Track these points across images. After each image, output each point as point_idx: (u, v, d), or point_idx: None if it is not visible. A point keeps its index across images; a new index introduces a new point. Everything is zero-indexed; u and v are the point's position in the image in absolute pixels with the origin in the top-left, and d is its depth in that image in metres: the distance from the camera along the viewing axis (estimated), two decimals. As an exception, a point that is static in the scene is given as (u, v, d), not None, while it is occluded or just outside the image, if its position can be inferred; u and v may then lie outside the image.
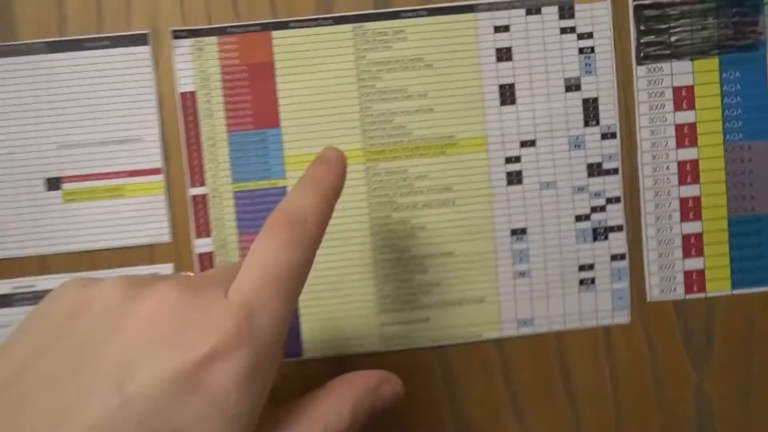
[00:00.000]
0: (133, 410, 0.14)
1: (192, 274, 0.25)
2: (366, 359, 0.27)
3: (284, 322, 0.17)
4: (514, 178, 0.26)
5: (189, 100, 0.25)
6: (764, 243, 0.27)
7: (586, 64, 0.26)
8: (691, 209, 0.27)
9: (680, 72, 0.26)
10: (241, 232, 0.26)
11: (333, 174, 0.20)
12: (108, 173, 0.25)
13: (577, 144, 0.26)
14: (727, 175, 0.27)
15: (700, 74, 0.26)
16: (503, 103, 0.26)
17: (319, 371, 0.27)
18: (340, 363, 0.26)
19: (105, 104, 0.25)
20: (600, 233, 0.26)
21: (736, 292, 0.27)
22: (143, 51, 0.25)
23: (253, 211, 0.26)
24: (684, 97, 0.26)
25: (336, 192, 0.20)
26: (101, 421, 0.14)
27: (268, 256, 0.17)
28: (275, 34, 0.25)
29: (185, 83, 0.25)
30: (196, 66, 0.25)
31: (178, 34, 0.25)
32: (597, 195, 0.26)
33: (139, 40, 0.25)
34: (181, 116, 0.25)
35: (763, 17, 0.26)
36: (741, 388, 0.27)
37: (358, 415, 0.18)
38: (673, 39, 0.26)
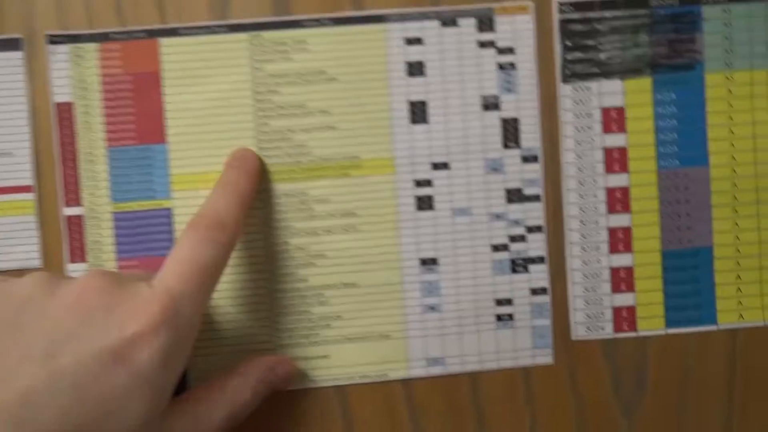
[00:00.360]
0: (63, 380, 0.16)
1: None
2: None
3: (201, 311, 0.20)
4: (425, 203, 0.24)
5: (65, 111, 0.23)
6: (701, 278, 0.25)
7: (506, 81, 0.24)
8: (620, 240, 0.24)
9: (609, 92, 0.24)
10: (120, 257, 0.24)
11: (247, 177, 0.23)
12: (-28, 190, 0.23)
13: (494, 167, 0.24)
14: (661, 203, 0.24)
15: (632, 94, 0.24)
16: (414, 121, 0.24)
17: (207, 412, 0.24)
18: (230, 403, 0.24)
19: (-28, 114, 0.23)
20: (519, 265, 0.24)
21: (670, 331, 0.25)
22: (16, 57, 0.23)
23: (134, 234, 0.24)
24: (614, 119, 0.24)
25: (251, 194, 0.23)
26: (33, 388, 0.16)
27: (190, 252, 0.20)
28: (163, 41, 0.23)
29: (61, 93, 0.23)
30: (74, 74, 0.23)
31: (55, 39, 0.23)
32: (516, 223, 0.24)
33: (12, 44, 0.23)
34: (56, 129, 0.23)
35: (700, 35, 0.24)
36: (674, 439, 0.25)
37: (258, 390, 0.22)
38: (602, 56, 0.24)
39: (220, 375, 0.22)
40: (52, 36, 0.23)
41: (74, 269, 0.23)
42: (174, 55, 0.23)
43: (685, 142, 0.24)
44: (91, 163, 0.23)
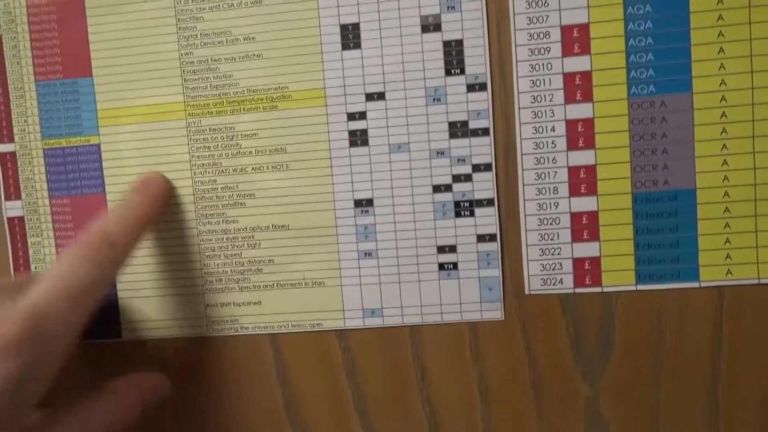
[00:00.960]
0: None
1: None
2: (189, 343, 0.28)
3: (73, 331, 0.22)
4: (358, 139, 0.26)
5: (-6, 45, 0.27)
6: (681, 226, 0.25)
7: (447, -2, 0.25)
8: (583, 181, 0.25)
9: (571, 6, 0.24)
10: (52, 194, 0.27)
11: (149, 201, 0.26)
12: None
13: (436, 97, 0.25)
14: (632, 138, 0.25)
15: (598, 9, 0.24)
16: (345, 47, 0.25)
17: (139, 354, 0.28)
18: (160, 346, 0.27)
19: None
20: (464, 208, 0.25)
21: (642, 287, 0.25)
22: (-53, -10, 0.26)
23: (65, 171, 0.27)
24: (576, 39, 0.25)
25: (151, 221, 0.26)
26: None
27: (68, 270, 0.22)
28: (84, -32, 0.26)
29: (-11, 26, 0.27)
30: (1, 6, 0.26)
31: (-20, -29, 0.26)
32: (461, 161, 0.25)
33: (-58, -22, 0.26)
34: (-14, 64, 0.27)
35: (683, -68, 0.23)
36: (647, 413, 0.26)
37: (132, 414, 0.24)
38: (561, -37, 0.24)
39: (91, 392, 0.24)
40: (-22, -33, 0.26)
41: (11, 206, 0.27)
42: (97, -18, 0.26)
43: (663, 65, 0.24)
44: (22, 98, 0.27)
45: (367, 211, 0.27)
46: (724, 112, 0.25)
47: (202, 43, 0.27)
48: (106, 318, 0.28)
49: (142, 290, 0.28)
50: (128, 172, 0.27)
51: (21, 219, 0.28)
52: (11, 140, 0.28)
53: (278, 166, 0.27)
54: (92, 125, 0.27)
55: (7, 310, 0.21)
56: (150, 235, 0.27)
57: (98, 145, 0.27)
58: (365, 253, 0.27)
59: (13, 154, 0.28)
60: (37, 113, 0.28)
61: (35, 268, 0.28)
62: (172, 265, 0.28)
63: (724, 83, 0.24)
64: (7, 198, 0.28)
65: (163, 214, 0.27)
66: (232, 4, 0.26)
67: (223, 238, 0.27)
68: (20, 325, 0.20)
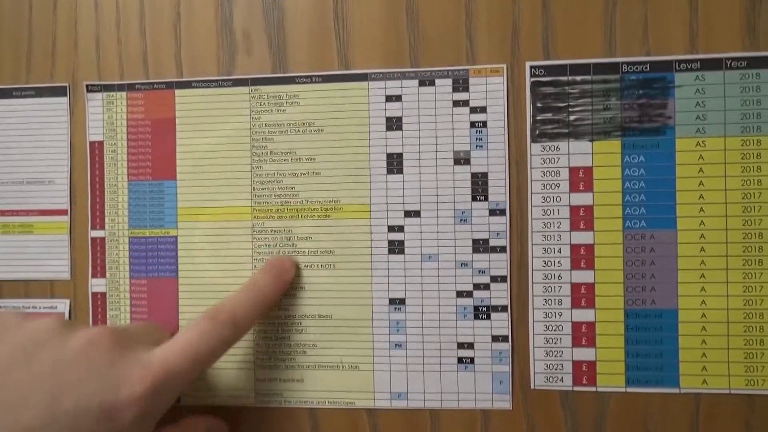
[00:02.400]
0: (62, 424, 0.23)
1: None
2: (238, 411, 0.32)
3: (186, 385, 0.27)
4: (396, 247, 0.31)
5: (97, 149, 0.33)
6: (665, 340, 0.30)
7: (477, 138, 0.31)
8: (583, 296, 0.30)
9: (578, 152, 0.30)
10: (132, 276, 0.33)
11: (275, 285, 0.31)
12: (20, 210, 0.33)
13: (463, 218, 0.31)
14: (626, 263, 0.30)
15: (600, 156, 0.30)
16: (390, 171, 0.31)
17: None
18: (213, 413, 0.32)
19: (25, 147, 0.33)
20: (482, 311, 0.31)
21: (630, 389, 0.30)
22: (62, 102, 0.33)
23: (145, 257, 0.33)
24: (581, 179, 0.30)
25: (274, 299, 0.31)
26: (36, 427, 0.23)
27: (197, 337, 0.27)
28: (178, 92, 0.32)
29: (95, 133, 0.33)
30: (106, 118, 0.33)
31: (92, 88, 0.33)
32: (481, 272, 0.31)
33: (60, 91, 0.33)
34: (88, 163, 0.33)
35: (672, 101, 0.29)
36: (632, 497, 0.30)
37: None
38: (572, 118, 0.30)
39: (171, 426, 0.28)
40: (90, 85, 0.33)
41: (96, 283, 0.33)
42: (187, 104, 0.32)
43: (652, 205, 0.30)
44: (114, 194, 0.33)
45: (399, 309, 0.32)
46: (702, 247, 0.30)
47: (271, 160, 0.33)
48: (168, 385, 0.33)
49: (202, 363, 0.33)
50: (199, 261, 0.33)
51: (103, 294, 0.34)
52: (102, 227, 0.34)
53: (327, 265, 0.32)
54: (172, 220, 0.33)
55: (144, 361, 0.25)
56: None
57: (176, 237, 0.33)
58: (395, 344, 0.32)
59: (102, 239, 0.34)
60: (127, 207, 0.33)
61: (111, 337, 0.34)
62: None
63: (703, 224, 0.30)
64: (94, 276, 0.34)
65: (280, 294, 0.32)
66: (298, 130, 0.32)
67: (275, 323, 0.33)
68: (151, 381, 0.25)
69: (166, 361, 0.26)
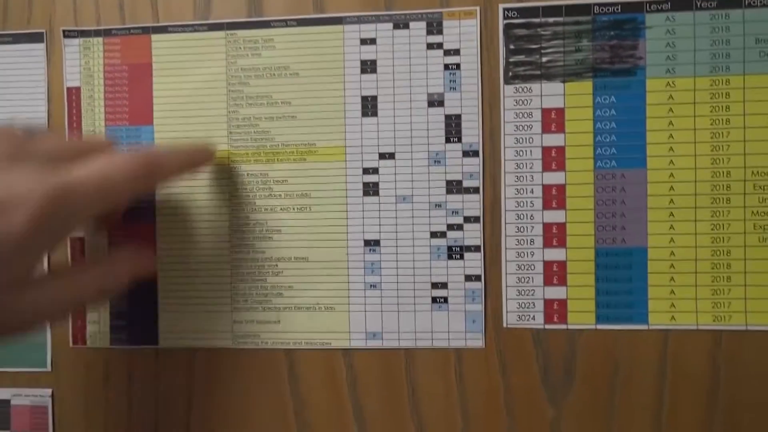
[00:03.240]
0: None
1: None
2: (217, 353, 0.33)
3: (85, 218, 0.26)
4: (371, 189, 0.32)
5: (74, 94, 0.33)
6: (634, 278, 0.31)
7: (451, 81, 0.31)
8: (555, 235, 0.31)
9: (550, 93, 0.31)
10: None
11: (201, 157, 0.31)
12: (-1, 157, 0.33)
13: (437, 160, 0.31)
14: (597, 203, 0.31)
15: (572, 97, 0.31)
16: (365, 114, 0.32)
17: (172, 360, 0.33)
18: (191, 354, 0.33)
19: (3, 94, 0.33)
20: (455, 252, 0.31)
21: (600, 326, 0.31)
22: (39, 48, 0.33)
23: (123, 201, 0.33)
24: (553, 120, 0.31)
25: (192, 164, 0.31)
26: None
27: (112, 168, 0.26)
28: (154, 37, 0.33)
29: (72, 79, 0.33)
30: (83, 63, 0.33)
31: (69, 34, 0.33)
32: (455, 213, 0.31)
33: (36, 38, 0.33)
34: (66, 109, 0.33)
35: (643, 41, 0.30)
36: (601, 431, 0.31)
37: (121, 282, 0.29)
38: (544, 60, 0.31)
39: (88, 261, 0.29)
40: (66, 31, 0.33)
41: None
42: (163, 49, 0.33)
43: (623, 145, 0.30)
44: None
45: (374, 250, 0.33)
46: (672, 186, 0.31)
47: (247, 104, 0.33)
48: (147, 326, 0.34)
49: (180, 305, 0.34)
50: (176, 205, 0.33)
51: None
52: (80, 173, 0.34)
53: (302, 208, 0.33)
54: (149, 165, 0.34)
55: (46, 175, 0.24)
56: (190, 257, 0.33)
57: (153, 182, 0.34)
58: (370, 285, 0.33)
59: (81, 184, 0.34)
60: (104, 152, 0.34)
61: (90, 281, 0.34)
62: (207, 286, 0.33)
63: (673, 163, 0.31)
64: (73, 221, 0.34)
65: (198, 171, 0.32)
66: (274, 74, 0.33)
67: (251, 266, 0.33)
68: (50, 193, 0.23)
69: (71, 174, 0.24)
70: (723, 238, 0.30)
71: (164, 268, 0.33)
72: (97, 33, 0.34)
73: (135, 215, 0.34)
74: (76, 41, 0.34)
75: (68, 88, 0.34)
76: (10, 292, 0.24)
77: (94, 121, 0.34)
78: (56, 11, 0.34)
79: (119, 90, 0.34)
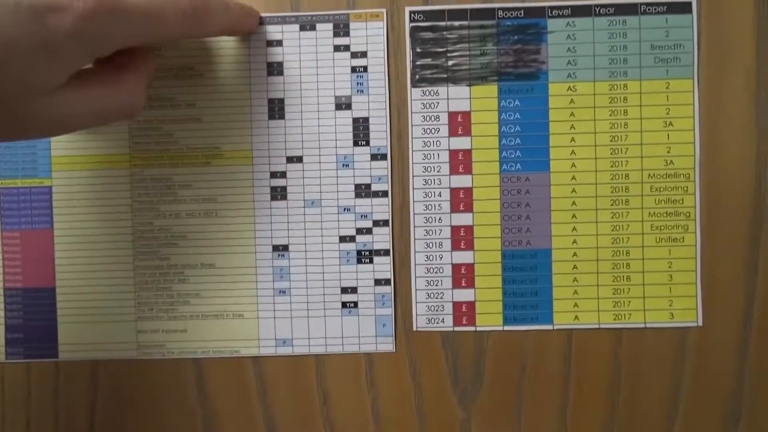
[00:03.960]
0: None
1: None
2: (121, 365, 0.32)
3: (128, 32, 0.25)
4: (278, 194, 0.31)
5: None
6: (539, 279, 0.31)
7: (358, 83, 0.31)
8: (463, 238, 0.31)
9: (457, 97, 0.31)
10: (4, 228, 0.32)
11: (243, 16, 0.30)
12: None
13: (345, 163, 0.31)
14: (503, 205, 0.31)
15: (478, 100, 0.31)
16: (271, 117, 0.31)
17: (73, 373, 0.32)
18: (94, 367, 0.32)
19: None
20: (365, 256, 0.31)
21: (507, 328, 0.31)
22: None
23: (18, 208, 0.32)
24: (460, 123, 0.31)
25: (237, 26, 0.30)
26: None
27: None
28: (49, 35, 0.31)
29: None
30: (-29, 62, 0.31)
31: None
32: (364, 216, 0.31)
33: None
34: (-48, 110, 0.31)
35: (545, 46, 0.31)
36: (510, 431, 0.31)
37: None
38: (450, 63, 0.31)
39: (114, 69, 0.27)
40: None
41: (-38, 236, 0.32)
42: (59, 48, 0.31)
43: (528, 149, 0.31)
44: (-18, 142, 0.32)
45: (283, 255, 0.32)
46: (574, 189, 0.32)
47: (149, 106, 0.32)
48: (45, 339, 0.32)
49: (81, 315, 0.32)
50: (75, 211, 0.32)
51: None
52: (-30, 178, 0.33)
53: (208, 213, 0.32)
54: (46, 169, 0.32)
55: None
56: (90, 265, 0.32)
57: (50, 187, 0.32)
58: (280, 291, 0.32)
59: (-30, 190, 0.33)
60: (-4, 156, 0.32)
61: (-17, 292, 0.33)
62: (110, 295, 0.32)
63: (575, 166, 0.32)
64: (-38, 230, 0.33)
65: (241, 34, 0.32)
66: (177, 75, 0.32)
67: (156, 273, 0.32)
68: (95, 4, 0.23)
69: None
70: (623, 238, 0.32)
71: (63, 277, 0.32)
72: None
73: (34, 222, 0.32)
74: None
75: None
76: (43, 95, 0.24)
77: (-16, 123, 0.32)
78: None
79: (11, 90, 0.32)
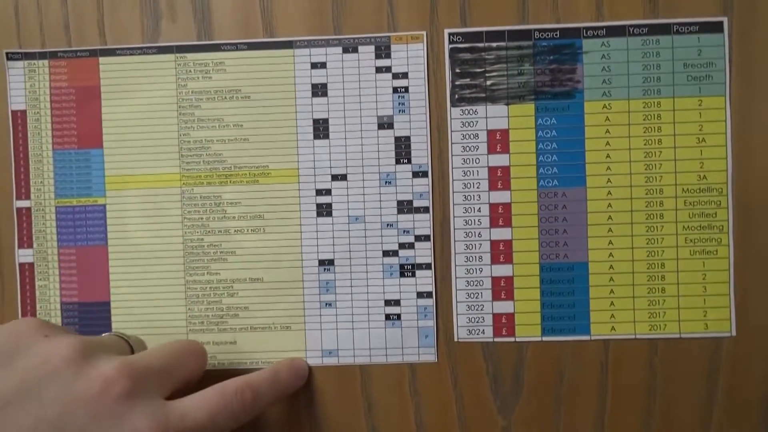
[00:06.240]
0: None
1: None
2: (172, 376, 0.34)
3: None
4: (324, 210, 0.33)
5: (19, 118, 0.34)
6: (577, 291, 0.33)
7: (399, 103, 0.33)
8: (502, 252, 0.33)
9: (495, 115, 0.33)
10: (61, 244, 0.34)
11: (293, 380, 0.33)
12: (-59, 182, 0.33)
13: (387, 181, 0.33)
14: (540, 220, 0.33)
15: (515, 119, 0.33)
16: (317, 137, 0.33)
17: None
18: (147, 378, 0.34)
19: (-56, 118, 0.34)
20: (407, 269, 0.33)
21: (546, 338, 0.33)
22: (-19, 70, 0.34)
23: (73, 226, 0.34)
24: (498, 141, 0.33)
25: (287, 393, 0.33)
26: None
27: (218, 403, 0.28)
28: (102, 60, 0.34)
29: (17, 102, 0.34)
30: (28, 87, 0.34)
31: (12, 56, 0.33)
32: (406, 232, 0.33)
33: (-22, 60, 0.33)
34: (10, 133, 0.34)
35: (580, 66, 0.32)
36: (549, 438, 0.33)
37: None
38: (489, 83, 0.33)
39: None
40: (9, 53, 0.34)
41: (23, 254, 0.34)
42: (111, 72, 0.34)
43: (564, 165, 0.33)
44: (39, 163, 0.34)
45: (328, 269, 0.34)
46: (609, 203, 0.33)
47: (198, 127, 0.34)
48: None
49: (134, 329, 0.34)
50: (128, 228, 0.34)
51: (31, 265, 0.35)
52: (28, 197, 0.35)
53: (256, 230, 0.34)
54: (100, 188, 0.35)
55: (159, 416, 0.26)
56: (143, 280, 0.34)
57: (104, 206, 0.35)
58: (326, 304, 0.34)
59: (28, 209, 0.35)
60: (53, 176, 0.35)
61: (40, 308, 0.35)
62: (162, 308, 0.35)
63: (610, 181, 0.33)
64: (20, 246, 0.35)
65: (290, 392, 0.33)
66: (225, 97, 0.34)
67: (206, 287, 0.35)
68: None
69: (183, 420, 0.27)
70: (657, 251, 0.33)
71: (117, 292, 0.34)
72: (42, 55, 0.34)
73: (89, 239, 0.35)
74: (20, 63, 0.34)
75: (13, 112, 0.34)
76: None
77: (41, 145, 0.34)
78: (-2, 33, 0.35)
79: (66, 113, 0.34)
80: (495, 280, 0.34)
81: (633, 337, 0.34)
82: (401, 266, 0.34)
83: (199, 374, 0.31)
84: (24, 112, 0.34)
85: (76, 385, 0.25)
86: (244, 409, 0.29)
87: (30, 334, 0.27)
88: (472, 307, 0.34)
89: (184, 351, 0.30)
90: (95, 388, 0.25)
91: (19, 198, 0.35)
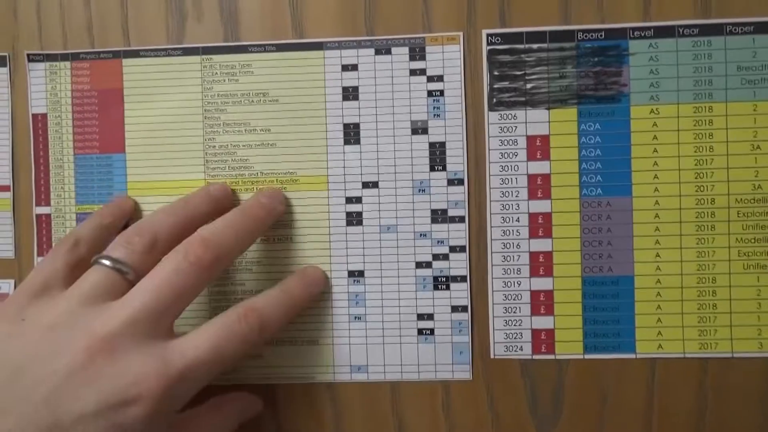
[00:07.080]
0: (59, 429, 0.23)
1: None
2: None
3: (200, 385, 0.27)
4: (354, 219, 0.32)
5: (40, 121, 0.33)
6: (621, 306, 0.31)
7: (434, 108, 0.32)
8: (541, 264, 0.32)
9: (535, 120, 0.32)
10: (81, 253, 0.33)
11: (303, 292, 0.31)
12: (-41, 188, 0.33)
13: (421, 188, 0.32)
14: (583, 231, 0.31)
15: (557, 124, 0.31)
16: (347, 142, 0.32)
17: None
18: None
19: (-37, 121, 0.33)
20: (441, 282, 0.32)
21: (588, 356, 0.32)
22: (1, 72, 0.33)
23: (94, 233, 0.33)
24: (538, 147, 0.31)
25: (302, 306, 0.31)
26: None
27: (222, 334, 0.27)
28: (126, 61, 0.33)
29: (38, 105, 0.33)
30: (49, 89, 0.33)
31: (33, 58, 0.33)
32: (440, 242, 0.32)
33: (-1, 62, 0.33)
34: (31, 137, 0.33)
35: (626, 68, 0.31)
36: (590, 462, 0.32)
37: (230, 427, 0.30)
38: (528, 86, 0.31)
39: (204, 410, 0.30)
40: (31, 54, 0.33)
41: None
42: (135, 74, 0.33)
43: (608, 172, 0.31)
44: (60, 168, 0.33)
45: (358, 281, 0.33)
46: (657, 214, 0.32)
47: (224, 131, 0.33)
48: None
49: (156, 341, 0.33)
50: (150, 237, 0.33)
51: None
52: (48, 204, 0.34)
53: (283, 239, 0.33)
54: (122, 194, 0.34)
55: (161, 356, 0.25)
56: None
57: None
58: (355, 317, 0.33)
59: (48, 215, 0.34)
60: (73, 182, 0.34)
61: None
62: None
63: (658, 190, 0.32)
64: (39, 254, 0.34)
65: (312, 301, 0.32)
66: (252, 101, 0.33)
67: (231, 298, 0.33)
68: (166, 380, 0.25)
69: (185, 356, 0.26)
70: (708, 265, 0.32)
71: (138, 303, 0.33)
72: (64, 57, 0.33)
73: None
74: (41, 65, 0.34)
75: (34, 115, 0.34)
76: None
77: (62, 150, 0.34)
78: (20, 34, 0.34)
79: (89, 117, 0.33)
80: (534, 294, 0.32)
81: (682, 356, 0.32)
82: (435, 278, 0.33)
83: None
84: (45, 115, 0.34)
85: (73, 348, 0.24)
86: (252, 333, 0.28)
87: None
88: (510, 322, 0.33)
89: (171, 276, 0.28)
90: (95, 347, 0.25)
91: (38, 204, 0.34)
